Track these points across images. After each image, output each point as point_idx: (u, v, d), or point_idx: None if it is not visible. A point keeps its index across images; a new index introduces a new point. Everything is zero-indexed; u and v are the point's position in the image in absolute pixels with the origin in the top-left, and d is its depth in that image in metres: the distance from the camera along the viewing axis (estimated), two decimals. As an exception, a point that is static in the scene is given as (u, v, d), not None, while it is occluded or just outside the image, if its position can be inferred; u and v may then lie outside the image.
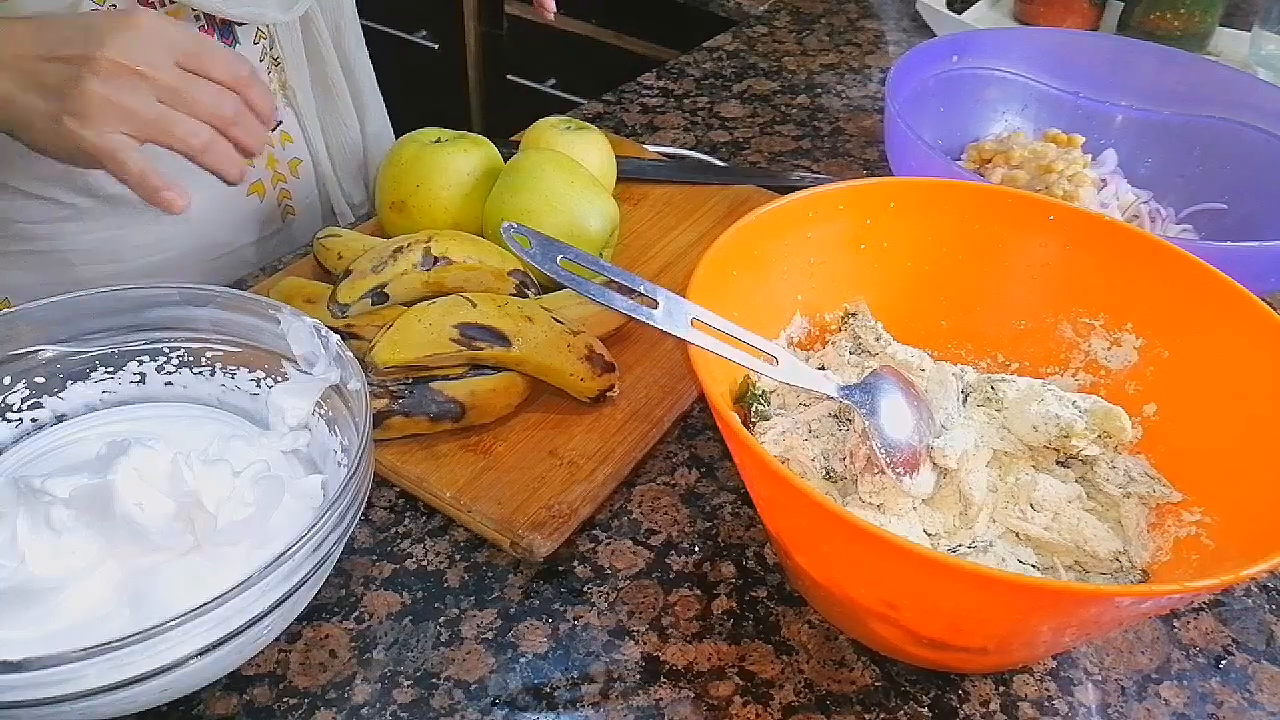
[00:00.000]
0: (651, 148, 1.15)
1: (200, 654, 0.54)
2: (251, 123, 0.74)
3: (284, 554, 0.55)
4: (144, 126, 0.70)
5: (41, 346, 0.70)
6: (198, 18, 0.91)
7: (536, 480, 0.74)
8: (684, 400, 0.82)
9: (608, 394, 0.79)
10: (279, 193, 1.06)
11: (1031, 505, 0.65)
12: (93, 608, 0.58)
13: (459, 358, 0.77)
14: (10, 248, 0.94)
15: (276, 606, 0.56)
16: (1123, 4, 1.44)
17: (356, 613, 0.67)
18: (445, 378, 0.76)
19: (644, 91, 1.33)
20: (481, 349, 0.76)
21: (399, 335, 0.76)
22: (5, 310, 0.68)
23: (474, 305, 0.78)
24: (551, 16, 1.04)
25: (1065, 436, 0.67)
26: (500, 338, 0.77)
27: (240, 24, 0.94)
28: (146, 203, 0.73)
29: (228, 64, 0.73)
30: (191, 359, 0.73)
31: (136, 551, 0.60)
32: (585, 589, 0.69)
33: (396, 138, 0.99)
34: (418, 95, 2.01)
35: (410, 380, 0.75)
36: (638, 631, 0.67)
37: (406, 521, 0.73)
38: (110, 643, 0.50)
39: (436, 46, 2.32)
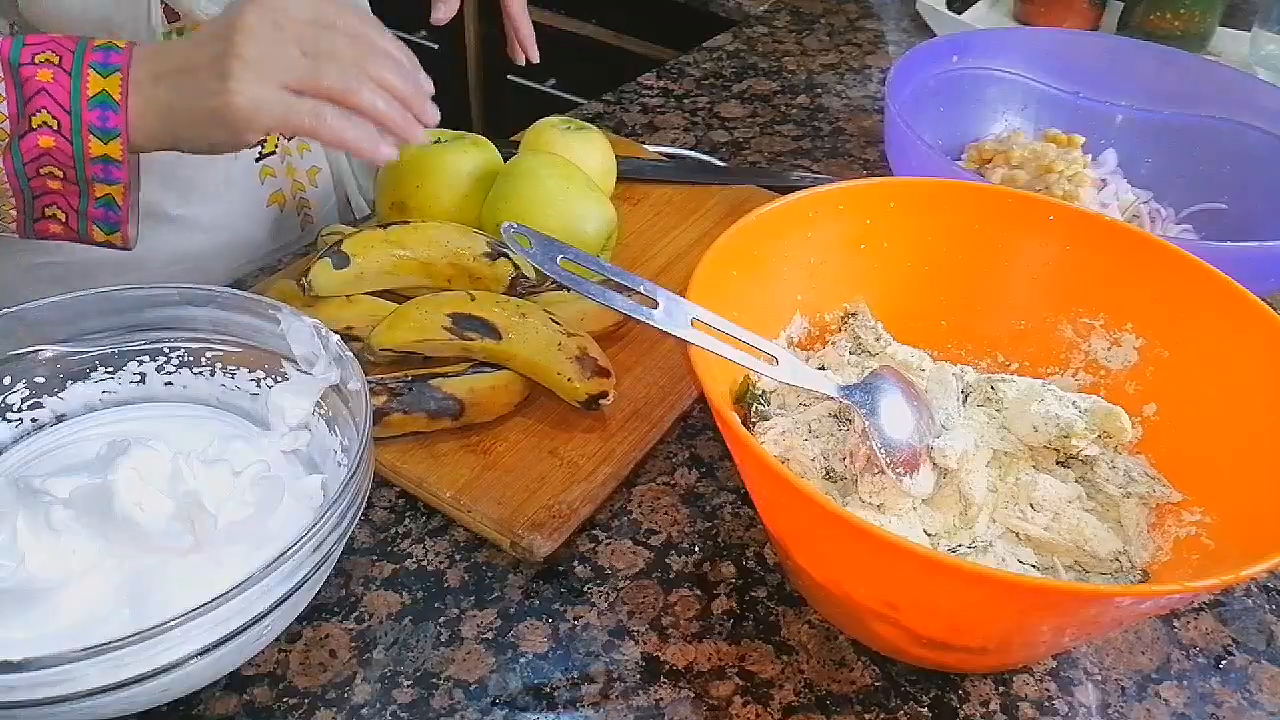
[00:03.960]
0: (651, 148, 1.15)
1: (200, 654, 0.54)
2: (390, 61, 0.73)
3: (284, 554, 0.55)
4: (300, 76, 0.70)
5: (41, 346, 0.70)
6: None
7: (536, 480, 0.74)
8: (684, 400, 0.82)
9: (600, 401, 0.77)
10: (298, 202, 1.07)
11: (1031, 505, 0.65)
12: (93, 608, 0.58)
13: (450, 347, 0.77)
14: (35, 259, 0.94)
15: (276, 606, 0.56)
16: (1122, 4, 1.44)
17: (356, 613, 0.67)
18: (444, 375, 0.76)
19: (644, 91, 1.33)
20: (471, 340, 0.77)
21: (396, 319, 0.78)
22: (5, 310, 0.68)
23: (472, 299, 0.78)
24: (521, 61, 1.05)
25: (1065, 436, 0.67)
26: (491, 330, 0.77)
27: None
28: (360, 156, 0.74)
29: (355, 17, 0.73)
30: (191, 359, 0.73)
31: (136, 551, 0.60)
32: (585, 589, 0.69)
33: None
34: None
35: (409, 378, 0.75)
36: (638, 631, 0.67)
37: (406, 521, 0.73)
38: (110, 643, 0.50)
39: (436, 46, 2.32)
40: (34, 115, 0.69)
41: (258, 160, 1.00)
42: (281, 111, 0.70)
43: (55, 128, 0.70)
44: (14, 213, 0.73)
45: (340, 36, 0.71)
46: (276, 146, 1.02)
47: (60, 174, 0.72)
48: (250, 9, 0.70)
